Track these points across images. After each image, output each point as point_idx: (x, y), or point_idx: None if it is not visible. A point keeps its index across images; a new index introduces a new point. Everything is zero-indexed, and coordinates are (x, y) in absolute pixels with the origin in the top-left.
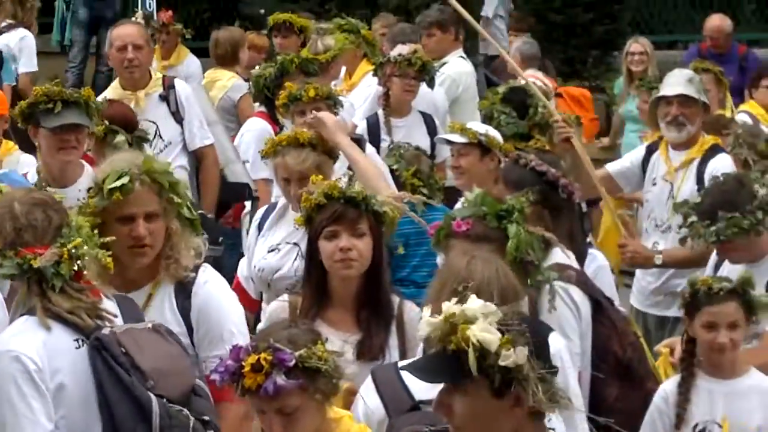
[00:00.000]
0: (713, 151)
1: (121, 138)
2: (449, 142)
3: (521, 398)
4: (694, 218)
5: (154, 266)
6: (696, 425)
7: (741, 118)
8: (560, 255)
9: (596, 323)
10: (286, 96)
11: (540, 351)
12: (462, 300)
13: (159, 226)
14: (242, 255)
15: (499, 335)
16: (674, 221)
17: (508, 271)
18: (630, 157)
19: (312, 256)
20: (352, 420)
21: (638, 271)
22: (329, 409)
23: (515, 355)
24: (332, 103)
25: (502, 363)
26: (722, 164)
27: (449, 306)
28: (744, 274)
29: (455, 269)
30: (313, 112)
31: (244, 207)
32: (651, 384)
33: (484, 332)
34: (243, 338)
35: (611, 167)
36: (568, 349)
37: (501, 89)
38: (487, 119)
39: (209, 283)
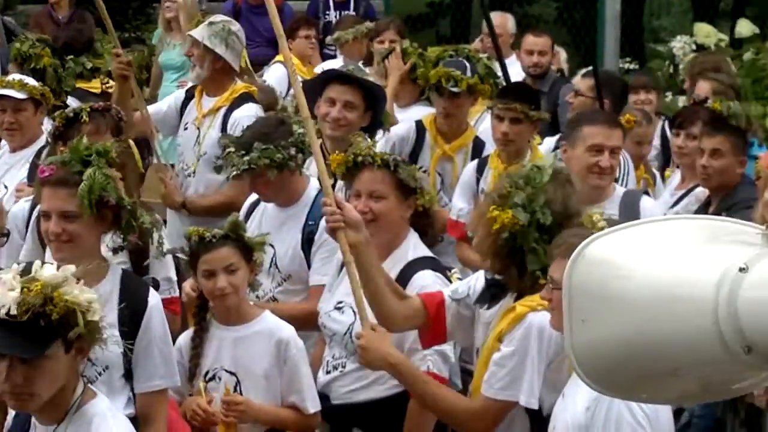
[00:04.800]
0: (242, 99)
1: None
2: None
3: (84, 348)
4: (232, 149)
5: None
6: (207, 373)
7: (275, 68)
8: None
9: None
10: None
11: None
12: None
13: None
14: None
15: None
16: (199, 167)
17: None
18: (169, 101)
19: None
20: None
21: None
22: None
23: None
24: None
25: (90, 318)
26: (247, 113)
27: (17, 278)
28: (232, 218)
29: None
30: None
31: None
32: None
33: (82, 293)
34: None
35: (151, 108)
36: None
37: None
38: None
39: None
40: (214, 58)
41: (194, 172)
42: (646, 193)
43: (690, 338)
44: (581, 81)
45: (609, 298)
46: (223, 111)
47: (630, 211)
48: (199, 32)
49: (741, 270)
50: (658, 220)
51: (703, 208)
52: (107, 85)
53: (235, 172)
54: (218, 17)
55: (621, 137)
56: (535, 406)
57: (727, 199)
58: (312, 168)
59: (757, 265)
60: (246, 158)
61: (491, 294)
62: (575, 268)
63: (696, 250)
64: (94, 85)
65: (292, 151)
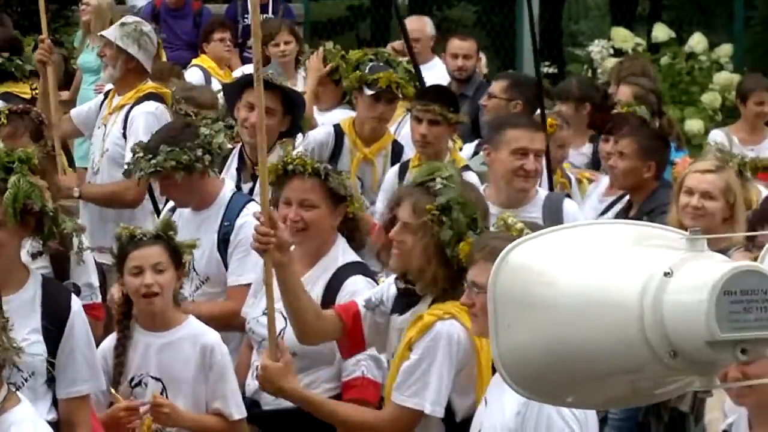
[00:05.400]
0: (146, 97)
1: None
2: None
3: None
4: (140, 153)
5: None
6: (132, 379)
7: (192, 72)
8: None
9: None
10: None
11: None
12: None
13: None
14: None
15: None
16: (103, 164)
17: None
18: (91, 103)
19: None
20: None
21: None
22: None
23: None
24: None
25: None
26: (144, 109)
27: None
28: (164, 217)
29: None
30: None
31: None
32: None
33: None
34: None
35: (73, 111)
36: None
37: None
38: None
39: None
40: (126, 59)
41: (100, 169)
42: (568, 196)
43: (616, 345)
44: (495, 83)
45: (533, 304)
46: (126, 108)
47: (554, 215)
48: (112, 33)
49: (666, 274)
50: (580, 225)
51: (624, 212)
52: (36, 91)
53: (141, 176)
54: (130, 18)
55: (544, 140)
56: (440, 415)
57: (647, 203)
58: (231, 171)
59: (681, 269)
60: (153, 161)
61: (405, 303)
62: (499, 274)
63: (619, 255)
64: (25, 90)
65: (199, 152)
